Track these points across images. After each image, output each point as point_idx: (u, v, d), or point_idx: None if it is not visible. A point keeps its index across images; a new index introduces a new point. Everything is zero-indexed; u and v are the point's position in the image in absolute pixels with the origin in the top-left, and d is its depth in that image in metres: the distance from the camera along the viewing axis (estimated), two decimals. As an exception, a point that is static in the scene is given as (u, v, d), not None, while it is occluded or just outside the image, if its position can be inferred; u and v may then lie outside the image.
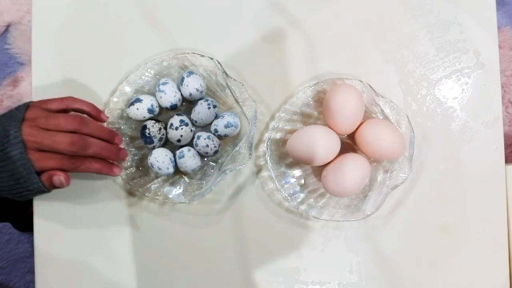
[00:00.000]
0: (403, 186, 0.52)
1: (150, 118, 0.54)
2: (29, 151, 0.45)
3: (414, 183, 0.55)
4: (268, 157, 0.52)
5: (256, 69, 0.57)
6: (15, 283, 1.17)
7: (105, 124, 0.54)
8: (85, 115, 0.50)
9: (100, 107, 0.55)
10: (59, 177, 0.46)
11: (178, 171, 0.54)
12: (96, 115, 0.51)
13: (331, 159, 0.51)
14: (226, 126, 0.52)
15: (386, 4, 0.58)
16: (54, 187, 0.47)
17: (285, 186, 0.53)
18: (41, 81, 0.57)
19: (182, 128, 0.52)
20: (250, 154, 0.51)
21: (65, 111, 0.50)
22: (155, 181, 0.54)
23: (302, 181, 0.54)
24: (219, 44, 0.57)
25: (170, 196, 0.53)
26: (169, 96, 0.53)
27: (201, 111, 0.53)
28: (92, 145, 0.47)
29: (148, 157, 0.52)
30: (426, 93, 0.56)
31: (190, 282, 0.54)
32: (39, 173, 0.46)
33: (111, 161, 0.51)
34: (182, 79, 0.53)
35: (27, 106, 0.47)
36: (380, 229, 0.55)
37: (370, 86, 0.52)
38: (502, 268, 0.54)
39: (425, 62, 0.57)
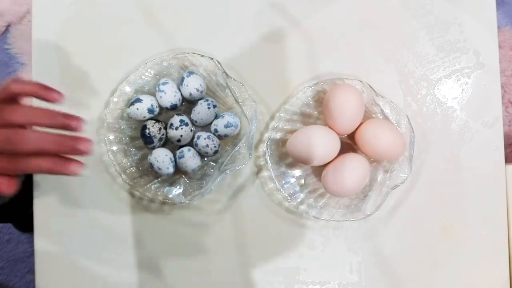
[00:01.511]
0: (403, 186, 0.52)
1: (150, 118, 0.54)
2: None
3: (414, 183, 0.55)
4: (268, 157, 0.52)
5: (256, 69, 0.57)
6: (15, 283, 1.17)
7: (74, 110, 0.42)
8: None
9: (100, 107, 0.56)
10: None
11: (178, 171, 0.54)
12: (44, 95, 0.41)
13: (331, 159, 0.51)
14: (226, 126, 0.52)
15: (386, 4, 0.58)
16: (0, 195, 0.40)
17: (285, 186, 0.53)
18: (41, 81, 0.56)
19: (182, 128, 0.52)
20: (250, 154, 0.51)
21: (12, 99, 0.41)
22: (155, 181, 0.54)
23: (302, 181, 0.54)
24: (219, 44, 0.57)
25: (170, 196, 0.53)
26: (169, 96, 0.53)
27: (201, 111, 0.53)
28: (29, 139, 0.37)
29: (148, 157, 0.52)
30: (426, 93, 0.56)
31: (190, 281, 0.54)
32: None
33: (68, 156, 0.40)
34: (182, 79, 0.53)
35: None
36: (380, 229, 0.55)
37: (370, 86, 0.52)
38: (502, 268, 0.54)
39: (425, 62, 0.57)
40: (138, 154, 0.54)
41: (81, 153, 0.39)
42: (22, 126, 0.39)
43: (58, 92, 0.41)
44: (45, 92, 0.41)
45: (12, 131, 0.38)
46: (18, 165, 0.38)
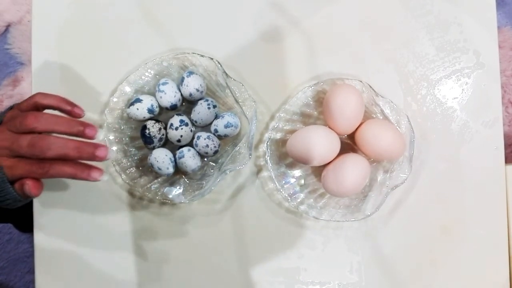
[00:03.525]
0: (403, 186, 0.52)
1: (150, 118, 0.54)
2: (1, 158, 0.42)
3: (414, 183, 0.55)
4: (268, 157, 0.52)
5: (256, 69, 0.57)
6: (15, 283, 1.17)
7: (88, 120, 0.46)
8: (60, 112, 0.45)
9: (100, 107, 0.56)
10: (26, 186, 0.41)
11: (178, 171, 0.54)
12: (68, 109, 0.45)
13: (331, 159, 0.51)
14: (226, 126, 0.52)
15: (386, 4, 0.58)
16: (28, 196, 0.43)
17: (285, 186, 0.53)
18: (41, 81, 0.57)
19: (182, 128, 0.52)
20: (250, 154, 0.51)
21: (38, 109, 0.45)
22: (155, 181, 0.54)
23: (302, 181, 0.54)
24: (219, 44, 0.57)
25: (170, 196, 0.53)
26: (169, 96, 0.53)
27: (201, 111, 0.53)
28: (53, 145, 0.40)
29: (148, 157, 0.52)
30: (426, 93, 0.56)
31: (190, 282, 0.54)
32: (15, 181, 0.42)
33: (88, 163, 0.44)
34: (182, 79, 0.53)
35: (10, 108, 0.45)
36: (380, 229, 0.55)
37: (370, 86, 0.52)
38: (502, 268, 0.54)
39: (425, 62, 0.57)
40: (138, 154, 0.54)
41: (99, 159, 0.42)
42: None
43: (81, 108, 0.45)
44: (70, 107, 0.45)
45: (37, 136, 0.41)
46: (44, 169, 0.41)
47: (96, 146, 0.42)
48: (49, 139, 0.41)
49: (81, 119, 0.44)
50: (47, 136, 0.41)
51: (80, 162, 0.43)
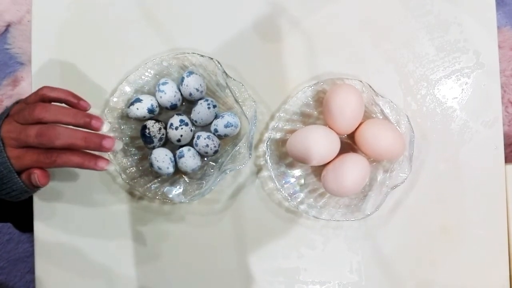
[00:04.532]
0: (403, 186, 0.52)
1: (150, 118, 0.54)
2: (8, 149, 0.43)
3: (414, 183, 0.55)
4: (268, 157, 0.52)
5: (256, 69, 0.57)
6: (15, 283, 1.17)
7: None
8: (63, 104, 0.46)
9: (100, 107, 0.56)
10: (34, 175, 0.43)
11: (178, 171, 0.54)
12: (75, 102, 0.46)
13: (331, 159, 0.51)
14: (226, 126, 0.52)
15: (386, 4, 0.58)
16: (35, 186, 0.44)
17: (285, 186, 0.53)
18: (41, 81, 0.57)
19: (182, 128, 0.52)
20: (250, 154, 0.51)
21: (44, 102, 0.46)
22: (155, 181, 0.54)
23: (302, 181, 0.54)
24: (219, 44, 0.57)
25: (170, 196, 0.53)
26: (169, 96, 0.53)
27: (201, 111, 0.53)
28: (61, 135, 0.42)
29: (148, 157, 0.52)
30: (426, 93, 0.56)
31: (190, 281, 0.54)
32: (22, 171, 0.44)
33: (95, 153, 0.45)
34: (182, 79, 0.53)
35: (16, 102, 0.46)
36: (380, 228, 0.55)
37: (370, 86, 0.52)
38: (502, 268, 0.54)
39: (425, 62, 0.57)
40: (138, 154, 0.54)
41: (106, 150, 0.44)
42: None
43: (86, 102, 0.47)
44: (76, 100, 0.46)
45: (45, 126, 0.42)
46: (52, 158, 0.43)
47: (103, 137, 0.44)
48: (57, 128, 0.42)
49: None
50: (56, 125, 0.43)
51: (86, 152, 0.45)
